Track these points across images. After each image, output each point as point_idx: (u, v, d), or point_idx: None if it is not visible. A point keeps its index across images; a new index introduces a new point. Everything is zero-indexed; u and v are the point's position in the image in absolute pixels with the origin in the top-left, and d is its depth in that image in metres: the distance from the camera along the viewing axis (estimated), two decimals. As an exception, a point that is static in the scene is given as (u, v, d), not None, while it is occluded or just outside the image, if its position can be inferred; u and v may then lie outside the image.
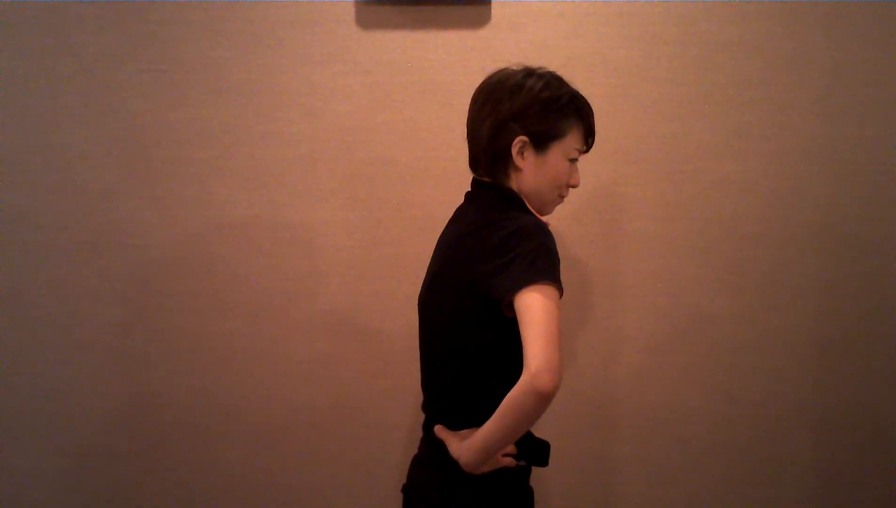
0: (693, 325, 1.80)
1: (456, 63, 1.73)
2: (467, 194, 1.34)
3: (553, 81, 1.28)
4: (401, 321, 1.78)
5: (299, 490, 1.83)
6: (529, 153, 1.27)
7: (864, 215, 1.78)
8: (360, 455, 1.82)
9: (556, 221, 1.76)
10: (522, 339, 1.11)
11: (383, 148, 1.75)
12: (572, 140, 1.29)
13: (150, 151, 1.76)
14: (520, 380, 1.10)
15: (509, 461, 1.24)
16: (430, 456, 1.31)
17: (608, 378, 1.81)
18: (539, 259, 1.16)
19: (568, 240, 1.78)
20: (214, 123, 1.75)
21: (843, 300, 1.80)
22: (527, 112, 1.25)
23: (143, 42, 1.74)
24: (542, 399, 1.09)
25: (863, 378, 1.81)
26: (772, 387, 1.81)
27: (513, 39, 1.72)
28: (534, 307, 1.11)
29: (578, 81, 1.73)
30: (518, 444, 1.27)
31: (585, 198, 1.77)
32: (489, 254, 1.19)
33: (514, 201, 1.28)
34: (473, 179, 1.33)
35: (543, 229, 1.21)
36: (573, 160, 1.31)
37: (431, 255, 1.36)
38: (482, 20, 1.72)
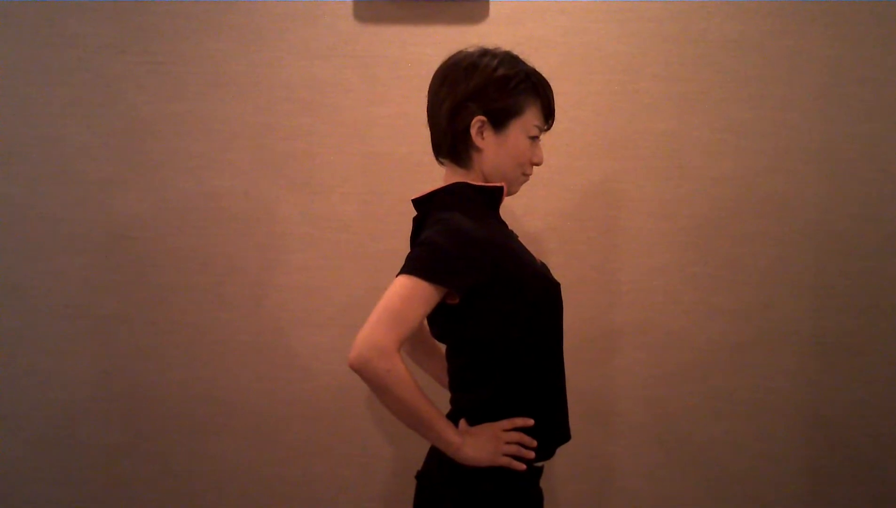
0: (690, 322, 1.80)
1: (454, 58, 1.73)
2: (413, 218, 1.35)
3: (508, 59, 1.28)
4: (397, 316, 1.78)
5: (295, 483, 1.83)
6: (489, 133, 1.27)
7: (861, 213, 1.78)
8: (356, 448, 1.82)
9: (553, 216, 1.77)
10: None
11: (381, 142, 1.76)
12: (531, 117, 1.29)
13: (149, 143, 1.76)
14: None
15: (508, 460, 1.24)
16: None
17: (605, 375, 1.81)
18: (419, 254, 1.18)
19: (564, 236, 1.78)
20: (213, 115, 1.76)
21: (839, 298, 1.80)
22: (483, 91, 1.25)
23: (143, 34, 1.74)
24: (357, 373, 1.13)
25: (859, 376, 1.81)
26: (768, 384, 1.82)
27: (510, 35, 1.72)
28: (387, 291, 1.16)
29: (576, 77, 1.74)
30: (538, 441, 1.28)
31: (582, 194, 1.77)
32: None
33: (454, 201, 1.28)
34: (414, 200, 1.34)
35: (447, 231, 1.20)
36: (534, 138, 1.31)
37: None
38: (480, 16, 1.72)
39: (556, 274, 1.37)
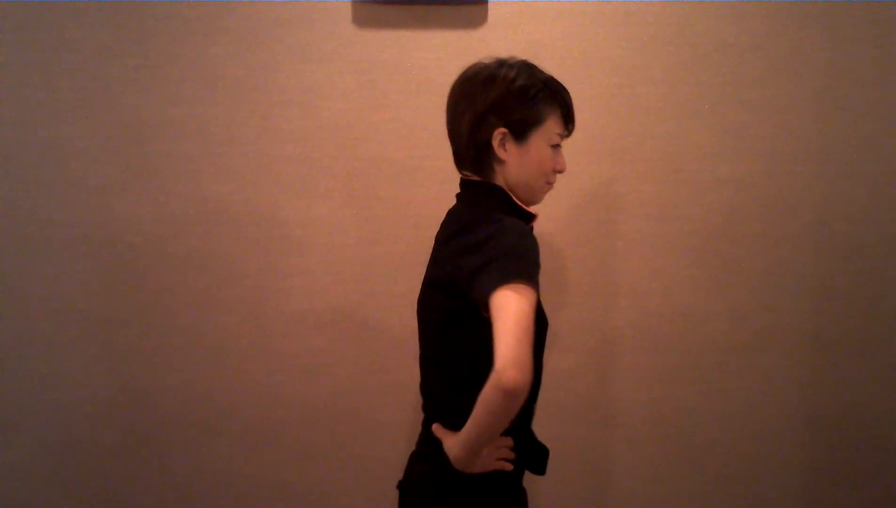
0: (688, 324, 1.81)
1: (452, 62, 1.70)
2: (457, 196, 1.35)
3: (525, 69, 1.28)
4: (395, 318, 1.78)
5: (293, 487, 1.83)
6: (511, 144, 1.26)
7: (859, 215, 1.79)
8: (354, 451, 1.83)
9: (552, 220, 1.77)
10: (493, 336, 1.09)
11: (379, 146, 1.76)
12: (552, 125, 1.28)
13: (146, 146, 1.76)
14: (489, 377, 1.09)
15: (501, 464, 1.25)
16: (426, 452, 1.32)
17: (604, 377, 1.82)
18: (514, 260, 1.15)
19: (564, 239, 1.78)
20: (210, 119, 1.75)
21: (837, 300, 1.80)
22: (503, 103, 1.25)
23: (141, 38, 1.74)
24: (508, 396, 1.07)
25: (856, 378, 1.82)
26: (766, 386, 1.82)
27: (509, 39, 1.72)
28: (505, 305, 1.10)
29: (575, 80, 1.74)
30: (516, 448, 1.28)
31: (581, 198, 1.77)
32: (471, 255, 1.19)
33: (500, 200, 1.28)
34: (461, 179, 1.34)
35: (523, 231, 1.21)
36: (555, 146, 1.30)
37: (430, 255, 1.36)
38: (479, 20, 1.72)
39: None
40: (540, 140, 1.27)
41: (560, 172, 1.32)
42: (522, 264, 1.15)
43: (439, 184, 1.74)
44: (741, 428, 1.83)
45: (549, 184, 1.33)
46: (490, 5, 1.71)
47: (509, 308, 1.10)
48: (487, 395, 1.10)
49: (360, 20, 1.72)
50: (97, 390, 1.81)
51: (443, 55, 1.73)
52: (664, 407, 1.83)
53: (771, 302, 1.80)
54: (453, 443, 1.22)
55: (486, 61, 1.30)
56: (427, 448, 1.32)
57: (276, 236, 1.78)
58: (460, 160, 1.32)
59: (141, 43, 1.74)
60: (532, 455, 1.30)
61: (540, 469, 1.31)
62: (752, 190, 1.78)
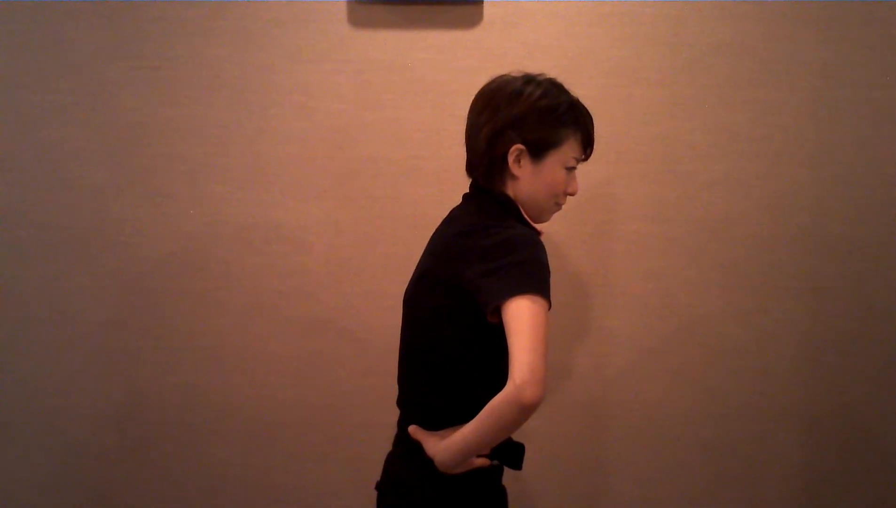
0: (684, 325, 1.81)
1: (448, 63, 1.73)
2: (465, 196, 1.34)
3: (552, 89, 1.28)
4: (392, 320, 1.75)
5: (290, 489, 1.83)
6: (526, 161, 1.26)
7: (854, 216, 1.79)
8: (350, 453, 1.82)
9: (549, 221, 1.77)
10: (509, 348, 1.10)
11: (375, 147, 1.76)
12: (570, 149, 1.28)
13: (143, 148, 1.76)
14: (504, 389, 1.09)
15: (483, 461, 1.24)
16: (404, 453, 1.31)
17: (599, 378, 1.82)
18: (530, 270, 1.16)
19: (559, 240, 1.78)
20: (207, 120, 1.76)
21: (833, 302, 1.80)
22: (524, 120, 1.24)
23: (136, 39, 1.74)
24: (525, 410, 1.08)
25: (852, 379, 1.82)
26: (762, 388, 1.82)
27: (504, 39, 1.72)
28: (522, 317, 1.10)
29: (570, 81, 1.72)
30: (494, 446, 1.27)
31: (577, 199, 1.76)
32: (481, 256, 1.18)
33: (511, 209, 1.28)
34: (472, 182, 1.33)
35: (536, 242, 1.21)
36: (570, 169, 1.30)
37: (422, 253, 1.36)
38: (474, 20, 1.73)
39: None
40: (556, 161, 1.27)
41: (571, 194, 1.32)
42: (537, 276, 1.16)
43: (436, 184, 1.74)
44: (738, 429, 1.83)
45: (558, 205, 1.33)
46: (485, 5, 1.72)
47: (525, 320, 1.10)
48: (500, 407, 1.10)
49: (356, 20, 1.73)
50: (94, 392, 1.80)
51: (438, 55, 1.73)
52: (661, 408, 1.82)
53: (767, 303, 1.80)
54: (442, 448, 1.21)
55: (515, 75, 1.29)
56: (405, 450, 1.31)
57: (273, 236, 1.78)
58: (473, 169, 1.32)
59: (137, 44, 1.74)
60: (509, 452, 1.29)
61: (517, 465, 1.30)
62: (748, 191, 1.78)
